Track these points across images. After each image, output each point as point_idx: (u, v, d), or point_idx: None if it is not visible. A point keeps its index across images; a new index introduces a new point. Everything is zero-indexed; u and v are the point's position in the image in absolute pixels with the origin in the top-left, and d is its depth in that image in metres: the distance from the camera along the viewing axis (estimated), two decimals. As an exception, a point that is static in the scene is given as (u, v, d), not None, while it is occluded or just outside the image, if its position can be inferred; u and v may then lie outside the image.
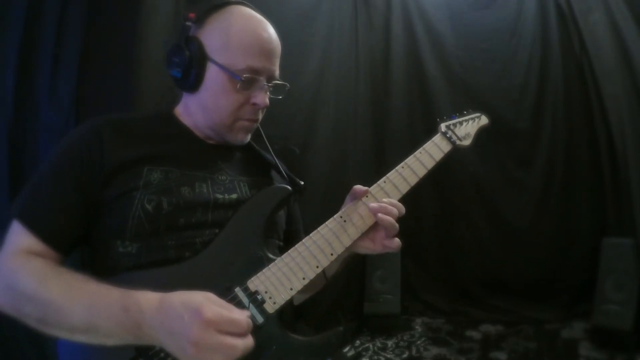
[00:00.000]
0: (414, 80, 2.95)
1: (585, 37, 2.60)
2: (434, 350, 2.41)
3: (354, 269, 2.69)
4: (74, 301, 0.71)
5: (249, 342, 0.68)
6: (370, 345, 2.48)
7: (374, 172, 3.00)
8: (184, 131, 0.95)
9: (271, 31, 0.93)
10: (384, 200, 0.87)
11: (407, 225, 2.94)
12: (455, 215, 2.96)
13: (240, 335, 0.67)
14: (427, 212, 2.98)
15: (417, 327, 2.69)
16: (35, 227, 0.79)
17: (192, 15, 0.93)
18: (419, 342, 2.51)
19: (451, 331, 2.62)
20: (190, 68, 0.89)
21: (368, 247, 0.90)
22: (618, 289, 2.29)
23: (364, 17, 2.90)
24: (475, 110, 1.11)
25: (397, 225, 0.85)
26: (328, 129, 2.59)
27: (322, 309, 2.46)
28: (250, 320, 0.70)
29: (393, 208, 0.85)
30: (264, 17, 0.94)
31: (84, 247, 0.87)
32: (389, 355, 2.38)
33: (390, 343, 2.51)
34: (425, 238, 2.99)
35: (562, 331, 2.52)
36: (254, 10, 0.94)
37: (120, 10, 1.69)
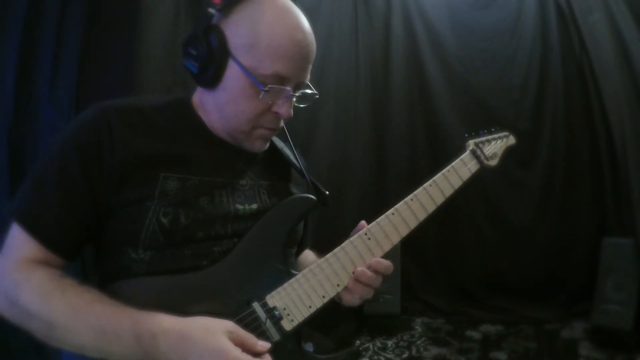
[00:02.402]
0: (414, 80, 2.95)
1: (585, 37, 2.60)
2: (434, 350, 2.40)
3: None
4: (81, 324, 0.67)
5: None
6: (370, 345, 2.48)
7: (374, 172, 3.01)
8: (201, 127, 0.84)
9: (307, 31, 0.79)
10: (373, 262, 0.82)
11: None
12: (456, 215, 2.95)
13: None
14: (427, 212, 2.98)
15: (417, 327, 2.69)
16: (38, 234, 0.72)
17: (217, 0, 0.78)
18: (419, 342, 2.51)
19: (451, 331, 2.62)
20: (208, 63, 0.77)
21: (346, 299, 0.85)
22: (618, 289, 2.29)
23: (364, 17, 2.90)
24: (501, 129, 1.05)
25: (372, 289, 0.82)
26: (328, 129, 2.59)
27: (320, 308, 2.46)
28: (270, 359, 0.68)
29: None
30: (301, 11, 0.80)
31: (92, 247, 0.81)
32: (389, 355, 2.38)
33: (390, 343, 2.51)
34: (425, 238, 2.98)
35: (562, 331, 2.52)
36: (290, 1, 0.80)
37: (120, 10, 1.69)
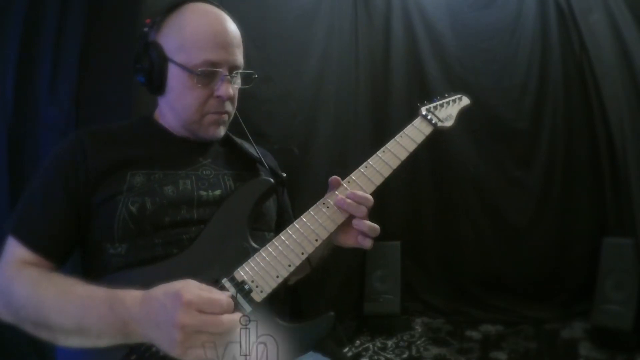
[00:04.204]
0: (414, 80, 2.95)
1: (585, 37, 2.59)
2: (434, 350, 2.41)
3: (353, 268, 2.69)
4: (65, 304, 0.73)
5: (233, 317, 0.69)
6: (370, 345, 2.48)
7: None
8: (163, 133, 0.97)
9: (227, 23, 0.93)
10: (354, 193, 0.87)
11: (408, 225, 2.96)
12: (456, 215, 2.95)
13: (222, 312, 0.68)
14: (427, 212, 2.98)
15: (417, 327, 2.69)
16: (28, 241, 0.82)
17: (148, 21, 0.94)
18: (419, 342, 2.51)
19: (451, 331, 2.62)
20: (152, 73, 0.91)
21: (341, 241, 0.92)
22: (618, 289, 2.29)
23: (364, 17, 2.89)
24: (457, 92, 1.11)
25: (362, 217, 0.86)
26: (328, 129, 2.58)
27: (320, 308, 2.46)
28: (231, 300, 0.71)
29: (357, 204, 0.86)
30: (223, 10, 0.95)
31: (79, 250, 0.89)
32: (389, 355, 2.38)
33: (390, 343, 2.51)
34: (425, 238, 2.98)
35: (562, 331, 2.52)
36: (211, 4, 0.94)
37: (120, 10, 1.69)
